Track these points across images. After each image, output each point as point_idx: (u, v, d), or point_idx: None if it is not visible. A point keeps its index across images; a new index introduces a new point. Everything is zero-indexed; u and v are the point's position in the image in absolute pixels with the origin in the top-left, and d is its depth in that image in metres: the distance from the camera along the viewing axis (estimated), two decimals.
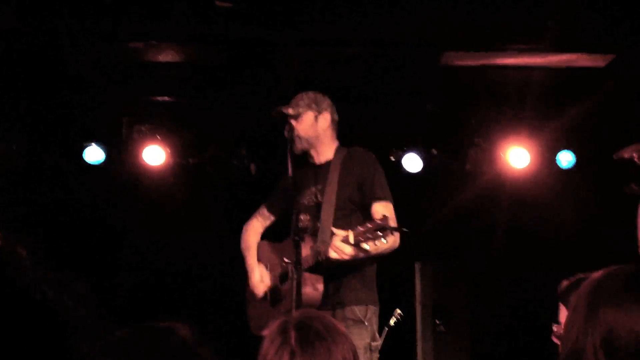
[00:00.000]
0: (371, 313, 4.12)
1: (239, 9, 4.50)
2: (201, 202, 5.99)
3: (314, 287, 3.97)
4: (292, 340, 1.99)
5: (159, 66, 5.20)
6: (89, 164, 5.83)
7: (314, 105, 4.22)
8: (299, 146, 4.19)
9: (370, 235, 3.64)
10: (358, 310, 4.07)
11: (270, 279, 4.31)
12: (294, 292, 3.69)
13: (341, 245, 3.73)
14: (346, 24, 4.69)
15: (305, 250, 3.98)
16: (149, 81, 5.48)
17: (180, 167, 6.01)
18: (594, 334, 1.58)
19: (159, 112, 5.81)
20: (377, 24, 4.69)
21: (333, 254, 3.78)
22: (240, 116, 5.79)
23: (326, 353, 1.98)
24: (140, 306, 5.95)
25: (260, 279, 4.32)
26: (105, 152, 5.82)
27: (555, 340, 1.71)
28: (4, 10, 4.49)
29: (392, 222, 3.83)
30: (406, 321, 5.74)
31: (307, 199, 4.21)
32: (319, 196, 4.18)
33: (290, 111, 4.16)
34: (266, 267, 4.37)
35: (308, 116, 4.21)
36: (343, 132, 5.78)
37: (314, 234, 4.06)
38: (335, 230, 3.82)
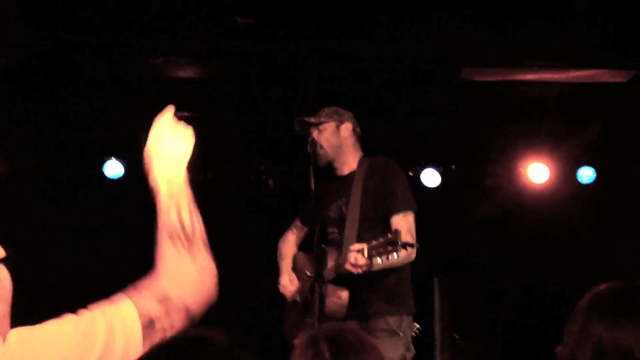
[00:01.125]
0: (405, 323, 4.10)
1: (259, 24, 4.52)
2: (219, 217, 5.96)
3: (338, 298, 3.96)
4: (327, 354, 1.96)
5: (178, 82, 5.22)
6: (109, 179, 5.85)
7: (335, 116, 4.25)
8: (323, 158, 4.20)
9: (382, 250, 3.63)
10: (392, 321, 4.05)
11: (301, 287, 4.29)
12: (316, 305, 3.69)
13: (356, 257, 3.72)
14: (366, 39, 4.69)
15: (331, 263, 3.99)
16: (169, 96, 5.49)
17: (198, 182, 6.01)
18: (586, 348, 1.59)
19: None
20: (397, 39, 4.69)
21: (348, 265, 3.77)
22: (259, 132, 5.79)
23: None
24: None
25: (289, 281, 4.33)
26: (124, 166, 5.85)
27: (557, 355, 1.72)
28: (24, 25, 4.53)
29: (406, 236, 3.83)
30: (425, 336, 5.72)
31: (333, 211, 4.22)
32: (343, 209, 4.18)
33: (313, 120, 4.19)
34: (300, 277, 4.36)
35: (330, 126, 4.23)
36: (363, 145, 5.79)
37: (340, 246, 4.06)
38: (353, 244, 3.81)
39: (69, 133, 5.79)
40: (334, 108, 4.28)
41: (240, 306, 5.91)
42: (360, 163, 4.28)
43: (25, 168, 5.78)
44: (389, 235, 3.65)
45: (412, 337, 5.43)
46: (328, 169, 4.33)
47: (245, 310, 5.70)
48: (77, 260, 5.93)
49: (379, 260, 3.66)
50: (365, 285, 3.98)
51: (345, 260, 3.82)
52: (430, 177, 6.00)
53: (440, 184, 6.02)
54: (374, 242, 3.68)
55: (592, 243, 5.91)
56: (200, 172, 6.00)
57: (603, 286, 1.70)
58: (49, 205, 5.92)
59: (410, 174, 6.05)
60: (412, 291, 4.20)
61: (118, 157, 5.84)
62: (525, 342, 6.27)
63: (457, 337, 6.06)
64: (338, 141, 4.24)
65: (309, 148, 4.15)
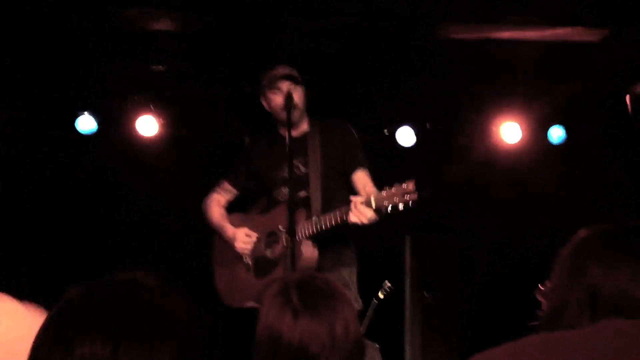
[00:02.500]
0: (354, 275, 4.25)
1: None
2: (194, 174, 5.98)
3: (312, 252, 4.01)
4: (295, 300, 1.98)
5: (153, 35, 5.15)
6: (81, 134, 5.80)
7: (300, 79, 4.29)
8: (296, 117, 4.21)
9: (395, 200, 3.63)
10: (345, 273, 4.19)
11: (253, 247, 4.32)
12: (289, 259, 3.72)
13: (363, 210, 3.72)
14: None
15: (301, 221, 4.02)
16: (143, 50, 5.44)
17: (173, 138, 5.99)
18: (579, 290, 1.61)
19: (153, 82, 5.77)
20: None
21: (354, 218, 3.77)
22: (235, 88, 5.76)
23: (330, 311, 1.98)
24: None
25: (246, 237, 4.31)
26: (97, 121, 5.79)
27: (539, 297, 1.74)
28: None
29: (370, 186, 3.91)
30: (395, 294, 5.78)
31: (284, 171, 4.21)
32: (301, 167, 4.21)
33: (296, 75, 4.21)
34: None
35: (301, 87, 4.27)
36: (337, 104, 5.78)
37: (304, 204, 4.09)
38: (353, 197, 3.82)
39: (40, 87, 5.71)
40: (294, 69, 4.31)
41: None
42: (312, 123, 4.34)
43: None
44: (404, 185, 3.64)
45: (384, 294, 5.52)
46: (274, 131, 4.36)
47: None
48: (49, 214, 5.91)
49: (388, 209, 3.67)
50: (325, 240, 4.05)
51: (343, 211, 3.83)
52: (405, 136, 6.02)
53: (415, 142, 6.04)
54: (383, 193, 3.69)
55: (562, 201, 5.99)
56: (175, 128, 5.97)
57: (589, 230, 1.73)
58: (21, 160, 5.87)
59: (386, 132, 6.07)
60: None
61: (91, 112, 5.78)
62: (495, 301, 6.37)
63: (427, 295, 6.12)
64: (305, 103, 4.30)
65: (284, 103, 4.14)
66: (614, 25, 4.85)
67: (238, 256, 4.38)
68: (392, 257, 6.24)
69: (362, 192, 4.00)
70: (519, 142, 6.03)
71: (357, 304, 4.18)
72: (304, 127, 4.32)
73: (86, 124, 5.76)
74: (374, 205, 3.70)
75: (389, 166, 5.87)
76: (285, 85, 4.20)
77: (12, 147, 5.84)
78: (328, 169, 4.22)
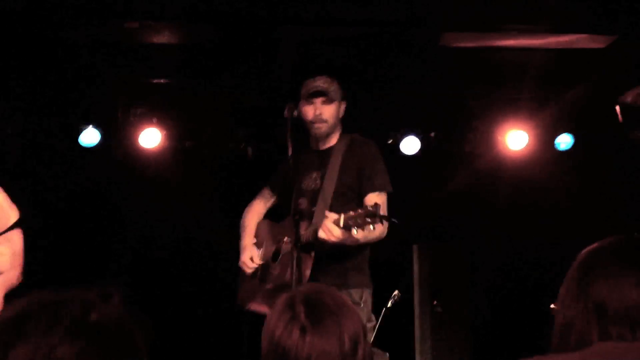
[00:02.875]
0: (367, 295, 4.20)
1: None
2: (197, 185, 5.97)
3: (307, 265, 4.00)
4: (302, 316, 1.95)
5: (155, 48, 5.15)
6: (85, 147, 5.79)
7: (340, 93, 4.29)
8: (323, 131, 4.23)
9: (359, 221, 3.67)
10: (355, 293, 4.12)
11: (262, 258, 4.39)
12: (294, 269, 3.71)
13: (331, 227, 3.76)
14: (345, 3, 4.65)
15: (302, 231, 4.01)
16: (146, 63, 5.44)
17: (176, 150, 5.98)
18: (587, 303, 1.60)
19: (155, 95, 5.77)
20: (376, 3, 4.65)
21: (322, 234, 3.82)
22: (238, 99, 5.75)
23: (337, 327, 1.95)
24: (136, 287, 5.95)
25: (249, 258, 4.41)
26: (101, 134, 5.79)
27: (552, 314, 1.74)
28: None
29: (383, 212, 3.89)
30: (404, 303, 5.75)
31: (306, 183, 4.27)
32: (318, 181, 4.23)
33: (327, 89, 4.21)
34: (261, 245, 4.45)
35: (336, 102, 4.27)
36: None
37: (310, 217, 4.09)
38: (327, 212, 3.85)
39: (44, 100, 5.71)
40: (338, 82, 4.30)
41: (214, 269, 5.93)
42: (340, 139, 4.32)
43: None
44: (369, 208, 3.68)
45: (392, 304, 5.49)
46: (305, 140, 4.36)
47: (219, 273, 5.69)
48: (52, 227, 5.90)
49: (354, 231, 3.70)
50: (331, 258, 4.04)
51: (315, 227, 3.89)
52: (410, 144, 6.00)
53: (419, 151, 6.02)
54: (351, 213, 3.72)
55: (570, 209, 5.95)
56: (178, 140, 5.96)
57: (599, 243, 1.71)
58: (24, 172, 5.86)
59: (390, 141, 6.05)
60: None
61: (94, 125, 5.77)
62: (504, 308, 6.33)
63: (436, 303, 6.10)
64: (337, 119, 4.30)
65: (311, 116, 4.16)
66: (620, 32, 4.82)
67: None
68: (400, 265, 6.22)
69: None
70: (526, 149, 6.01)
71: (370, 323, 4.18)
72: (333, 141, 4.31)
73: (90, 136, 5.76)
74: (341, 224, 3.73)
75: (392, 175, 5.84)
76: (319, 101, 4.20)
77: (16, 160, 5.83)
78: (342, 185, 4.21)
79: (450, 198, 6.20)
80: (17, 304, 1.17)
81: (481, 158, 6.16)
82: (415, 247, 6.25)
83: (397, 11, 4.70)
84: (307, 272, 4.00)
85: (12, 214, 1.81)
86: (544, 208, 6.16)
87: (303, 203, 4.17)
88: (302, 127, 4.35)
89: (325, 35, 5.06)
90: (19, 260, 1.73)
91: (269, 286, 4.25)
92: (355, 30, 4.98)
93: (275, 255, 4.31)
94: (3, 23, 4.74)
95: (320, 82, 4.23)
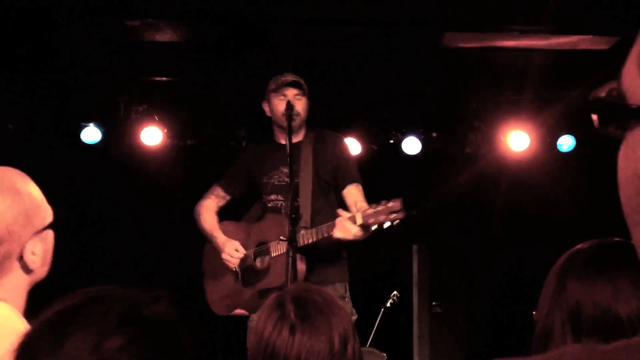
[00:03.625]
0: (348, 289, 4.23)
1: None
2: (198, 183, 5.95)
3: (300, 265, 4.00)
4: (292, 315, 1.95)
5: (156, 46, 5.15)
6: (86, 144, 5.79)
7: (306, 90, 4.27)
8: (298, 122, 4.20)
9: (381, 218, 3.66)
10: (340, 287, 4.15)
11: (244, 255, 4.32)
12: (289, 269, 3.69)
13: (349, 226, 3.73)
14: (347, 2, 4.64)
15: (277, 229, 4.02)
16: (147, 61, 5.44)
17: (177, 148, 5.98)
18: (562, 309, 1.57)
19: (156, 93, 5.76)
20: (377, 3, 4.64)
21: (339, 233, 3.78)
22: (239, 97, 5.75)
23: (326, 326, 1.94)
24: (136, 285, 5.94)
25: (234, 249, 4.29)
26: (102, 132, 5.79)
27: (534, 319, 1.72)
28: None
29: (363, 202, 3.91)
30: (403, 303, 5.75)
31: (276, 178, 4.23)
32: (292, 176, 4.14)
33: (302, 84, 4.20)
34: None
35: (306, 97, 4.25)
36: (342, 113, 5.74)
37: (292, 213, 4.04)
38: (340, 211, 3.83)
39: (45, 98, 5.71)
40: (301, 78, 4.30)
41: None
42: (307, 133, 4.31)
43: (0, 134, 5.70)
44: (390, 204, 3.68)
45: (390, 304, 5.49)
46: (270, 138, 4.38)
47: None
48: (52, 225, 5.88)
49: (373, 227, 3.71)
50: (316, 254, 4.04)
51: (332, 226, 3.83)
52: (411, 145, 5.99)
53: (421, 151, 6.01)
54: (369, 211, 3.71)
55: (571, 211, 5.94)
56: (179, 138, 5.96)
57: (576, 247, 1.67)
58: (25, 171, 5.85)
59: (391, 141, 6.05)
60: None
61: (96, 123, 5.77)
62: (503, 309, 6.32)
63: (435, 304, 6.09)
64: (306, 113, 4.27)
65: (285, 110, 4.11)
66: (623, 33, 4.81)
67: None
68: (399, 266, 6.21)
69: (352, 207, 4.01)
70: (527, 150, 6.00)
71: (353, 317, 4.18)
72: (300, 136, 4.29)
73: (91, 134, 5.76)
74: (359, 221, 3.72)
75: (393, 175, 5.84)
76: (291, 93, 4.18)
77: (17, 157, 5.81)
78: (318, 180, 4.21)
79: (450, 199, 6.19)
80: (69, 297, 1.19)
81: (482, 159, 6.15)
82: (414, 247, 6.24)
83: (400, 12, 4.70)
84: (303, 269, 4.00)
85: (49, 213, 1.87)
86: (545, 209, 6.15)
87: (275, 199, 4.21)
88: (266, 123, 4.37)
89: (326, 35, 5.06)
90: (49, 258, 1.80)
91: (256, 288, 4.20)
92: (357, 30, 4.97)
93: (258, 255, 4.26)
94: (5, 21, 4.74)
95: (290, 77, 4.22)
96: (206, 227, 4.44)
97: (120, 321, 1.14)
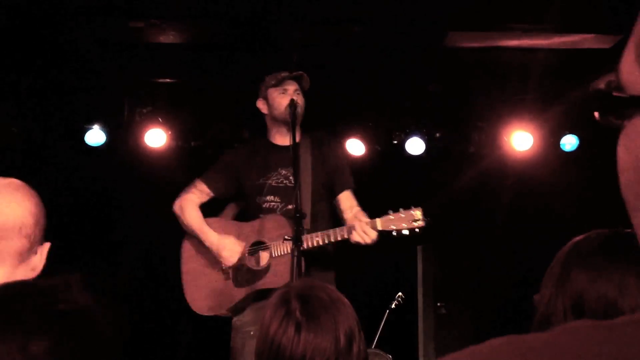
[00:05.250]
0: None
1: None
2: None
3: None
4: (297, 312, 1.95)
5: (160, 47, 5.15)
6: (90, 146, 5.80)
7: (308, 83, 4.26)
8: (300, 120, 4.18)
9: (405, 224, 3.78)
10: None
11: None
12: (294, 268, 3.68)
13: (368, 231, 3.81)
14: (350, 2, 4.65)
15: (278, 229, 4.00)
16: (151, 63, 5.45)
17: (181, 150, 5.98)
18: (565, 296, 1.55)
19: (160, 95, 5.77)
20: (381, 2, 4.64)
21: (357, 237, 3.83)
22: (242, 98, 5.75)
23: (332, 324, 1.95)
24: (140, 286, 5.96)
25: (237, 245, 4.13)
26: (106, 134, 5.80)
27: (534, 305, 1.69)
28: None
29: (420, 213, 3.91)
30: (408, 303, 5.74)
31: (274, 180, 4.19)
32: (291, 178, 4.08)
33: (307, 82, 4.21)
34: None
35: (303, 97, 4.23)
36: (346, 113, 5.74)
37: (289, 216, 4.02)
38: (359, 215, 3.93)
39: (50, 100, 5.72)
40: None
41: None
42: (303, 135, 4.27)
43: (5, 136, 5.71)
44: (412, 212, 3.79)
45: (395, 305, 5.48)
46: (262, 139, 4.36)
47: None
48: (57, 227, 5.89)
49: (394, 233, 3.82)
50: (315, 255, 4.03)
51: (345, 230, 3.87)
52: (415, 145, 5.99)
53: (424, 151, 6.01)
54: (390, 217, 3.81)
55: (575, 210, 5.93)
56: (184, 140, 5.96)
57: (584, 235, 1.65)
58: (30, 174, 5.86)
59: (395, 141, 6.04)
60: None
61: (100, 125, 5.78)
62: (508, 310, 6.31)
63: (440, 304, 6.08)
64: (303, 112, 4.23)
65: (289, 107, 4.08)
66: (626, 32, 4.80)
67: (214, 263, 4.22)
68: (404, 266, 6.21)
69: (347, 211, 4.09)
70: (530, 150, 5.99)
71: None
72: (297, 136, 4.16)
73: (95, 136, 5.77)
74: (380, 227, 3.81)
75: (397, 175, 5.84)
76: (292, 87, 4.16)
77: (22, 159, 5.83)
78: (316, 185, 4.19)
79: (455, 199, 6.18)
80: None
81: (486, 159, 6.14)
82: (419, 248, 6.24)
83: (403, 11, 4.70)
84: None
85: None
86: (548, 209, 6.14)
87: (272, 200, 4.17)
88: (261, 121, 4.36)
89: (330, 35, 5.06)
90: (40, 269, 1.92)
91: (253, 288, 4.11)
92: (360, 30, 4.97)
93: (253, 255, 4.17)
94: (9, 22, 4.75)
95: (287, 73, 4.20)
96: (192, 223, 4.29)
97: (39, 323, 1.11)
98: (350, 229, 3.87)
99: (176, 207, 4.37)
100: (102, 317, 1.18)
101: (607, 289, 1.50)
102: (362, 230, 3.81)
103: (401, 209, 3.81)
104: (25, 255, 1.94)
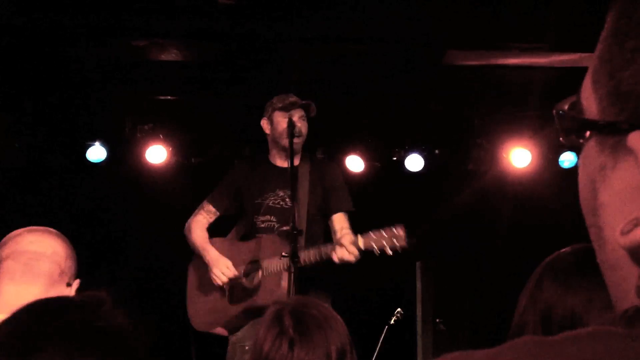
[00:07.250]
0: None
1: (241, 5, 4.50)
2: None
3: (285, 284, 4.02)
4: (290, 330, 1.97)
5: (161, 65, 5.19)
6: (92, 163, 5.82)
7: (314, 111, 4.30)
8: (300, 145, 4.23)
9: (385, 243, 3.79)
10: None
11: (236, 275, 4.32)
12: (291, 285, 3.72)
13: (351, 249, 3.85)
14: (349, 20, 4.68)
15: (272, 248, 4.07)
16: (152, 80, 5.48)
17: (183, 167, 6.00)
18: (536, 309, 1.54)
19: (162, 111, 5.80)
20: (380, 21, 4.68)
21: (340, 255, 3.88)
22: (243, 115, 5.78)
23: (324, 341, 1.96)
24: (141, 304, 5.94)
25: (225, 267, 4.28)
26: (107, 151, 5.82)
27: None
28: (6, 6, 4.49)
29: (348, 229, 4.00)
30: (407, 319, 5.74)
31: (273, 200, 4.26)
32: (287, 200, 4.19)
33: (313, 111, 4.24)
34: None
35: (305, 118, 4.28)
36: (345, 130, 5.77)
37: (284, 236, 4.07)
38: (345, 233, 3.98)
39: (51, 117, 5.75)
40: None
41: None
42: (303, 158, 4.36)
43: (7, 153, 5.73)
44: (395, 231, 3.79)
45: (394, 321, 5.48)
46: (263, 158, 4.42)
47: None
48: None
49: (377, 252, 3.84)
50: (311, 272, 4.06)
51: (329, 248, 3.92)
52: (414, 162, 6.01)
53: (424, 168, 6.03)
54: (372, 235, 3.84)
55: (573, 227, 5.93)
56: (185, 156, 5.98)
57: (562, 250, 1.63)
58: (31, 190, 5.88)
59: (394, 158, 6.07)
60: None
61: (101, 142, 5.81)
62: (507, 327, 6.31)
63: (439, 321, 6.08)
64: (306, 136, 4.30)
65: (287, 127, 4.15)
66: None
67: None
68: (402, 283, 6.21)
69: (338, 233, 4.13)
70: (529, 167, 6.01)
71: None
72: (297, 160, 4.29)
73: (96, 153, 5.80)
74: (362, 246, 3.84)
75: (396, 192, 5.85)
76: (298, 114, 4.21)
77: (23, 175, 5.86)
78: (312, 206, 4.26)
79: (454, 215, 6.20)
80: (13, 315, 1.15)
81: (485, 176, 6.16)
82: (418, 264, 6.24)
83: (402, 29, 4.73)
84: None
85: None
86: (547, 226, 6.15)
87: (267, 221, 4.24)
88: (263, 141, 4.41)
89: (330, 53, 5.09)
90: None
91: (246, 306, 4.20)
92: (359, 48, 5.01)
93: (248, 273, 4.27)
94: (12, 40, 4.79)
95: (296, 98, 4.25)
96: (197, 242, 4.46)
97: (84, 336, 1.11)
98: (334, 247, 3.92)
99: (186, 228, 4.57)
100: (137, 336, 1.19)
101: (574, 304, 1.49)
102: (345, 248, 3.86)
103: (385, 227, 3.83)
104: (56, 279, 2.26)
